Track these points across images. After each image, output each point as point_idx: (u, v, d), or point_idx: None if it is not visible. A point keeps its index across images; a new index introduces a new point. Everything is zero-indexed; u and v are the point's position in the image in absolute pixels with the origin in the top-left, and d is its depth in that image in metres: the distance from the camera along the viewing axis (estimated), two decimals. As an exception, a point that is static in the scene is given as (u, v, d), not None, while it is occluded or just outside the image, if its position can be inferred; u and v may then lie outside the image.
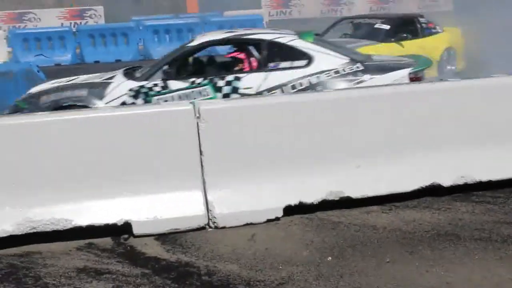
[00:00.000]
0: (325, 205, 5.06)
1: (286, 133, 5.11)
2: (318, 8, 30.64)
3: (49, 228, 4.70)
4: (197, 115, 4.86)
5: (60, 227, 4.71)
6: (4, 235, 4.65)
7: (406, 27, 12.27)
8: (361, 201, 5.11)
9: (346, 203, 5.09)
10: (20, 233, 4.69)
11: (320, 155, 5.16)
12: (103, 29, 20.50)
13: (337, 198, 5.04)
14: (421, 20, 12.38)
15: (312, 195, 5.01)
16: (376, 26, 12.32)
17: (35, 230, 4.69)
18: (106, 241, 4.78)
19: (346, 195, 5.05)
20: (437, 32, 12.31)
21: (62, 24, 27.27)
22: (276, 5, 31.63)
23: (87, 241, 4.77)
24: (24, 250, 4.66)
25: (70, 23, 27.64)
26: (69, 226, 4.71)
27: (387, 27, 11.81)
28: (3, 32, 21.19)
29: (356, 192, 5.08)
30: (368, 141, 5.24)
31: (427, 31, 12.11)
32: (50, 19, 28.57)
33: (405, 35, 11.88)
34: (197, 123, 4.86)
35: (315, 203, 5.01)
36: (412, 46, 11.09)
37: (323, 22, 16.69)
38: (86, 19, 29.83)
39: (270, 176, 5.04)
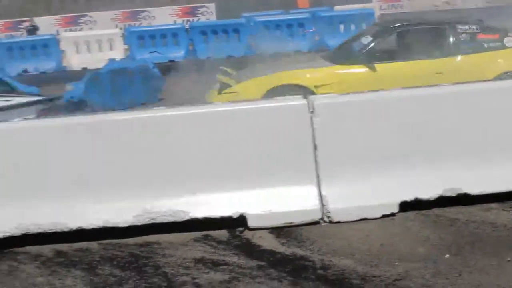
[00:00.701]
0: (442, 201, 5.24)
1: (400, 128, 5.33)
2: (430, 1, 30.18)
3: (167, 219, 5.17)
4: (311, 109, 5.20)
5: (177, 218, 5.16)
6: (125, 225, 5.16)
7: (423, 39, 10.16)
8: (480, 198, 5.23)
9: (464, 200, 5.23)
10: (139, 224, 5.17)
11: (435, 151, 5.35)
12: (214, 25, 22.73)
13: (454, 195, 5.20)
14: (462, 28, 9.85)
15: (428, 191, 5.20)
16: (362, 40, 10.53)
17: (154, 221, 5.17)
18: (222, 233, 5.18)
19: (464, 191, 5.19)
20: (497, 47, 9.73)
21: (175, 21, 28.97)
22: (388, -2, 31.60)
23: (203, 233, 5.18)
24: (143, 240, 5.13)
25: (183, 20, 29.09)
26: (186, 217, 5.17)
27: (367, 40, 10.16)
28: (119, 30, 22.77)
29: (474, 188, 5.21)
30: (489, 136, 5.37)
31: (475, 45, 9.73)
32: (164, 16, 30.19)
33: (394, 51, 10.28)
34: (311, 117, 5.20)
35: (431, 200, 5.21)
36: (430, 67, 9.38)
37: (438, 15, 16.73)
38: (198, 16, 31.47)
39: (385, 172, 5.27)
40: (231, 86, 9.82)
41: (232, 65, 11.70)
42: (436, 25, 10.38)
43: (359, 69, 9.69)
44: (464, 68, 9.11)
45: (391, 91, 5.62)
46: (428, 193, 5.22)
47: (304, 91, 8.76)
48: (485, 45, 9.72)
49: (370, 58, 9.74)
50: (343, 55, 10.48)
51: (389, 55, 9.95)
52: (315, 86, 9.34)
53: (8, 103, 10.16)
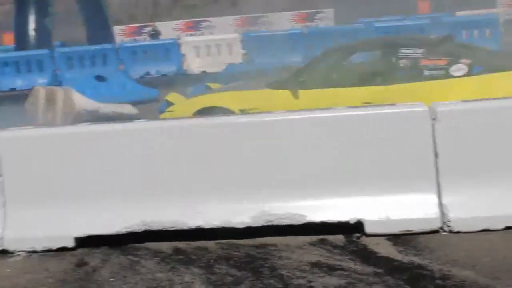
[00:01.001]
0: None
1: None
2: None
3: (284, 222, 5.39)
4: (433, 116, 5.30)
5: (295, 222, 5.38)
6: (242, 226, 5.43)
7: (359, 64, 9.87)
8: None
9: None
10: (256, 226, 5.43)
11: None
12: (331, 31, 23.49)
13: None
14: (404, 53, 9.01)
15: None
16: None
17: (270, 223, 5.41)
18: (338, 238, 5.34)
19: None
20: (439, 76, 8.75)
21: (292, 26, 29.17)
22: (515, 3, 30.92)
23: (320, 237, 5.36)
24: (260, 242, 5.37)
25: (301, 25, 29.75)
26: (303, 221, 5.38)
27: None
28: (238, 35, 23.70)
29: None
30: None
31: (413, 73, 8.91)
32: (282, 22, 31.07)
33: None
34: (433, 124, 5.30)
35: None
36: (357, 96, 8.61)
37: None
38: (316, 21, 31.89)
39: (509, 183, 5.30)
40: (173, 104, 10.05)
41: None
42: (377, 48, 10.07)
43: (282, 95, 9.23)
44: (394, 98, 7.61)
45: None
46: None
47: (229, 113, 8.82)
48: (426, 73, 8.71)
49: (298, 83, 9.28)
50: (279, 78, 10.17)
51: (323, 81, 9.37)
52: (240, 110, 9.14)
53: None
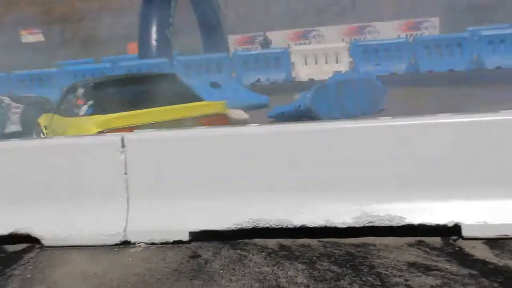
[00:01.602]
0: None
1: None
2: None
3: (384, 223, 5.48)
4: None
5: (394, 223, 5.46)
6: (344, 226, 5.54)
7: None
8: None
9: None
10: (358, 226, 5.53)
11: None
12: (438, 39, 23.63)
13: None
14: None
15: None
16: None
17: (371, 224, 5.51)
18: (435, 240, 5.37)
19: None
20: None
21: (398, 35, 29.51)
22: None
23: (417, 238, 5.40)
24: (360, 241, 5.46)
25: (406, 34, 29.63)
26: (402, 223, 5.45)
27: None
28: (345, 43, 24.20)
29: None
30: None
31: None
32: (388, 31, 31.06)
33: None
34: None
35: None
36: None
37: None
38: (422, 31, 31.73)
39: None
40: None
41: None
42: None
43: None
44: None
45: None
46: None
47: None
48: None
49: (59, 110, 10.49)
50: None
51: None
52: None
53: None
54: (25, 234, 6.07)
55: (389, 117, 5.99)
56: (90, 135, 6.38)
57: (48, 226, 6.00)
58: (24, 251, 6.01)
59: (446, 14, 32.70)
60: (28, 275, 5.44)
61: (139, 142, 6.03)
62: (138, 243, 5.85)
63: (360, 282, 4.65)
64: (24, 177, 6.12)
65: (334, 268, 4.96)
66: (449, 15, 31.93)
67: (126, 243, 5.86)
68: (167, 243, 5.80)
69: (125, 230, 5.88)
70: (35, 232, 6.04)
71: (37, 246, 6.08)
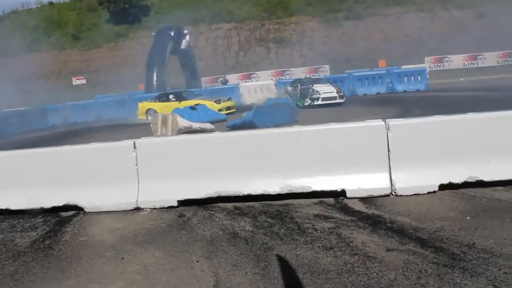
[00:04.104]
0: (466, 185, 5.28)
1: (445, 139, 5.35)
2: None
3: (298, 190, 5.51)
4: (387, 127, 5.37)
5: (305, 190, 5.50)
6: (274, 193, 5.55)
7: None
8: (490, 183, 5.25)
9: (480, 184, 5.26)
10: (283, 193, 5.54)
11: (464, 153, 5.35)
12: (329, 78, 23.49)
13: (474, 181, 5.25)
14: None
15: (458, 178, 5.27)
16: None
17: (291, 191, 5.52)
18: (330, 200, 5.44)
19: (480, 178, 5.24)
20: None
21: (305, 76, 30.36)
22: None
23: (319, 199, 5.48)
24: (284, 202, 5.50)
25: (310, 75, 30.37)
26: (310, 190, 5.49)
27: None
28: (273, 81, 27.01)
29: (487, 177, 5.24)
30: (497, 146, 5.32)
31: None
32: (299, 73, 34.94)
33: None
34: (387, 133, 5.35)
35: (459, 183, 5.27)
36: None
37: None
38: (319, 73, 34.20)
39: (431, 166, 5.33)
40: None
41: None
42: None
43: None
44: None
45: (440, 116, 5.60)
46: (458, 179, 5.27)
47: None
48: None
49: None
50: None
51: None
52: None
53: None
54: (73, 205, 5.96)
55: (299, 126, 6.10)
56: (111, 142, 6.28)
57: (88, 199, 5.88)
58: (73, 216, 5.92)
59: (332, 63, 33.40)
60: (76, 231, 5.38)
61: (145, 145, 5.95)
62: (145, 208, 5.77)
63: (285, 227, 4.69)
64: (71, 168, 6.00)
65: (269, 219, 4.97)
66: (335, 63, 32.61)
67: (138, 209, 5.79)
68: (163, 208, 5.73)
69: (137, 200, 5.82)
70: (80, 203, 5.93)
71: (81, 212, 5.98)
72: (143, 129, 14.23)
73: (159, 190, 5.75)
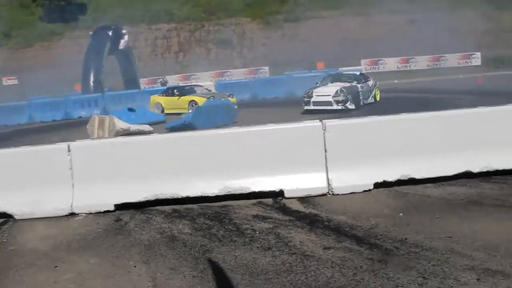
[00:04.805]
0: (399, 182, 5.46)
1: (379, 139, 5.54)
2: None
3: (237, 192, 5.51)
4: (324, 128, 5.45)
5: (244, 191, 5.50)
6: (213, 195, 5.53)
7: None
8: (421, 181, 5.47)
9: (412, 182, 5.46)
10: (221, 194, 5.53)
11: (397, 152, 5.55)
12: (268, 79, 26.36)
13: (406, 178, 5.45)
14: None
15: (391, 176, 5.45)
16: None
17: (230, 193, 5.52)
18: (269, 201, 5.47)
19: (412, 176, 5.45)
20: None
21: (245, 77, 32.25)
22: None
23: (258, 200, 5.50)
24: (223, 204, 5.48)
25: (250, 77, 29.84)
26: (248, 191, 5.50)
27: None
28: (213, 82, 26.81)
29: (419, 175, 5.45)
30: (428, 145, 5.56)
31: None
32: (239, 75, 35.20)
33: None
34: (324, 133, 5.33)
35: (393, 181, 5.46)
36: None
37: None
38: (258, 75, 36.04)
39: (366, 166, 5.49)
40: None
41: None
42: None
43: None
44: None
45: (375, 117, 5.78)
46: (391, 178, 5.44)
47: None
48: None
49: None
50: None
51: None
52: None
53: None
54: (2, 212, 5.67)
55: (238, 126, 6.17)
56: (44, 145, 6.04)
57: (19, 206, 5.62)
58: (2, 224, 5.61)
59: (273, 65, 33.74)
60: (4, 240, 5.11)
61: (80, 148, 5.76)
62: (81, 214, 5.58)
63: (224, 229, 4.67)
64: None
65: (208, 221, 4.94)
66: (275, 65, 32.95)
67: (73, 214, 5.59)
68: (99, 212, 5.57)
69: (71, 205, 5.61)
70: (10, 210, 5.66)
71: (11, 220, 5.69)
72: (79, 132, 13.79)
73: (95, 194, 5.57)
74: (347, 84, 14.93)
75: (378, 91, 16.64)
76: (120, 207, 5.58)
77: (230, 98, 17.62)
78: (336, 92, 14.22)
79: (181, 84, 26.42)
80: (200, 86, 21.61)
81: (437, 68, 33.46)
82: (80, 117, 21.25)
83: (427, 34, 32.45)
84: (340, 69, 25.68)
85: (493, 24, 36.79)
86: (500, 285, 3.15)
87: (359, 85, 15.25)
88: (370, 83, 16.26)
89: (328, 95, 14.21)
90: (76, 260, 4.29)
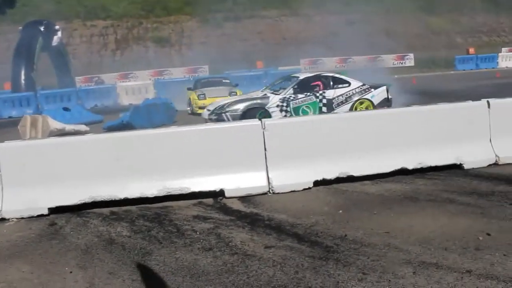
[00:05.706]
0: (338, 180, 5.58)
1: (318, 137, 5.66)
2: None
3: (177, 192, 5.44)
4: (264, 127, 5.38)
5: (183, 191, 5.44)
6: (152, 196, 5.44)
7: None
8: (359, 178, 5.61)
9: (351, 179, 5.60)
10: (161, 195, 5.44)
11: (336, 150, 5.67)
12: (210, 77, 21.93)
13: (345, 176, 5.58)
14: None
15: (330, 174, 5.56)
16: None
17: (169, 193, 5.45)
18: (209, 201, 5.45)
19: (350, 174, 5.58)
20: None
21: (184, 76, 31.94)
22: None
23: (198, 200, 5.46)
24: (163, 205, 5.41)
25: (189, 75, 30.27)
26: (188, 191, 5.45)
27: None
28: (151, 81, 26.03)
29: (357, 172, 5.59)
30: (365, 143, 5.70)
31: None
32: (178, 73, 34.29)
33: None
34: (263, 132, 5.37)
35: (332, 179, 5.57)
36: None
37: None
38: (198, 73, 35.88)
39: (305, 164, 5.58)
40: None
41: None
42: None
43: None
44: None
45: (313, 116, 5.89)
46: (330, 175, 5.56)
47: None
48: None
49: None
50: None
51: None
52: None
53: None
54: None
55: (177, 126, 6.18)
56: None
57: None
58: None
59: (212, 63, 33.58)
60: None
61: (9, 149, 5.47)
62: (11, 219, 5.35)
63: (164, 231, 4.60)
64: None
65: (147, 223, 4.86)
66: (214, 64, 32.82)
67: (2, 220, 5.36)
68: (32, 217, 5.35)
69: (0, 210, 5.33)
70: None
71: None
72: (10, 133, 13.16)
73: (27, 197, 5.33)
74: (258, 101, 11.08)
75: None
76: (55, 210, 5.39)
77: (237, 90, 15.60)
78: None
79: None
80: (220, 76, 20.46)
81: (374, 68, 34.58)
82: (10, 117, 20.29)
83: (364, 35, 33.42)
84: (280, 68, 25.96)
85: (424, 28, 38.53)
86: (434, 277, 3.26)
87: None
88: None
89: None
90: (6, 268, 4.05)
